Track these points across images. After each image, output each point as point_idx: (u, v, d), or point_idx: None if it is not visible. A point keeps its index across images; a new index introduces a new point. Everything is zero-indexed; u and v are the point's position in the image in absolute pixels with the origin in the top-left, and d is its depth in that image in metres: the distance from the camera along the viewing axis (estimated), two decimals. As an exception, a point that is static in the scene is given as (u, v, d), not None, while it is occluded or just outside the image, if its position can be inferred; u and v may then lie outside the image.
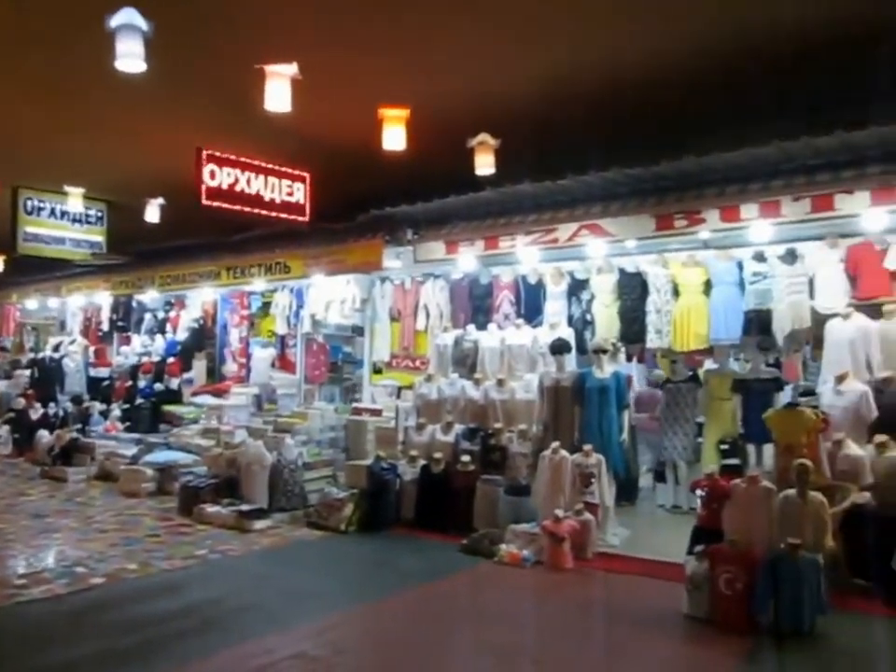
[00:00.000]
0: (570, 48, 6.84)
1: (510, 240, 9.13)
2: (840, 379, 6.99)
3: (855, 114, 6.44)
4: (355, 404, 10.93)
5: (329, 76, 7.19)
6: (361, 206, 9.98)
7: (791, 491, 5.81)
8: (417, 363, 10.73)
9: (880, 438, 6.42)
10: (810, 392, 8.29)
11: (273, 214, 9.54)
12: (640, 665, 4.84)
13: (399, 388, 10.65)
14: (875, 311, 7.36)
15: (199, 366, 13.58)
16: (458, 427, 8.73)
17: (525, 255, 9.19)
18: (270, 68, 6.65)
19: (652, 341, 8.71)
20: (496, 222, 9.27)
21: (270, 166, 9.48)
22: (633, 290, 8.87)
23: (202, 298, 13.65)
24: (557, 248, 8.84)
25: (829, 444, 6.54)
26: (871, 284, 7.46)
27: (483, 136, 8.07)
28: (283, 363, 12.60)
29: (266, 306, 12.80)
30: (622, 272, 8.98)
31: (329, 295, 11.34)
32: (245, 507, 8.41)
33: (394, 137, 7.55)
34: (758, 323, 8.04)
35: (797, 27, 6.33)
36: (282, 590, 6.17)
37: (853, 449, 6.47)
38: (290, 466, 9.03)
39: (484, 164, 8.19)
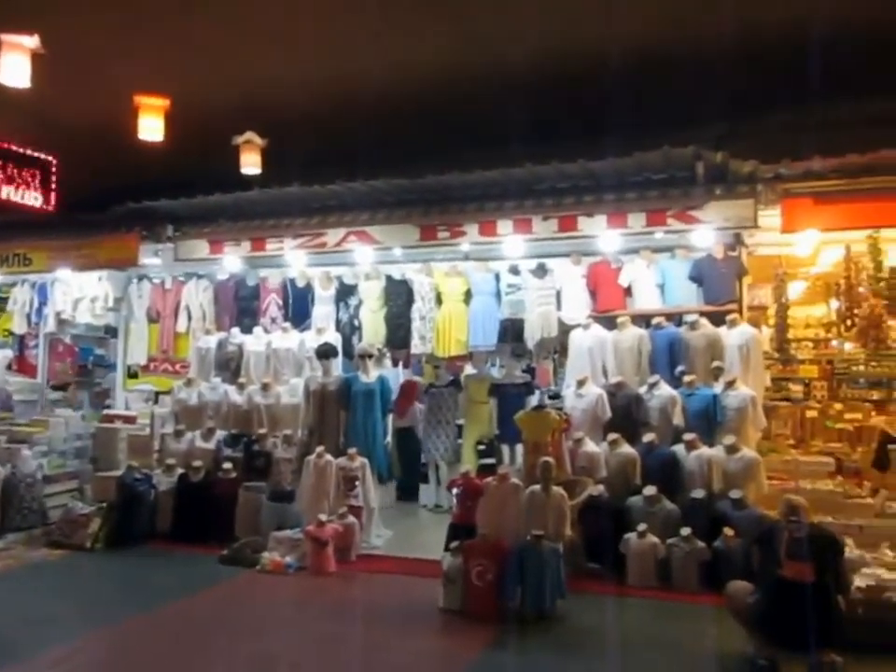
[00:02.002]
0: (340, 55, 6.92)
1: (277, 242, 9.03)
2: (580, 383, 7.69)
3: (594, 144, 7.14)
4: (106, 411, 10.14)
5: (79, 53, 6.67)
6: (118, 198, 9.28)
7: (537, 486, 6.31)
8: (177, 367, 10.24)
9: (613, 436, 7.18)
10: (556, 395, 9.06)
11: (9, 199, 8.57)
12: (395, 661, 4.99)
13: (157, 393, 10.11)
14: (611, 322, 8.19)
15: (-86, 369, 11.87)
16: (220, 434, 8.47)
17: (293, 258, 9.12)
18: (6, 38, 5.99)
19: (417, 346, 9.02)
20: (263, 223, 9.10)
21: (6, 146, 8.52)
22: (399, 297, 9.13)
23: (-80, 291, 11.95)
24: (325, 253, 8.89)
25: (571, 443, 7.19)
26: (607, 298, 8.31)
27: (250, 135, 7.91)
28: (21, 366, 11.42)
29: (2, 302, 11.50)
30: (388, 278, 9.21)
31: (79, 292, 10.49)
32: (-31, 528, 7.51)
33: (151, 127, 7.15)
34: (512, 331, 8.61)
35: (550, 57, 6.91)
36: (15, 618, 5.61)
37: (591, 446, 7.18)
38: (27, 480, 8.18)
39: (250, 163, 8.02)
